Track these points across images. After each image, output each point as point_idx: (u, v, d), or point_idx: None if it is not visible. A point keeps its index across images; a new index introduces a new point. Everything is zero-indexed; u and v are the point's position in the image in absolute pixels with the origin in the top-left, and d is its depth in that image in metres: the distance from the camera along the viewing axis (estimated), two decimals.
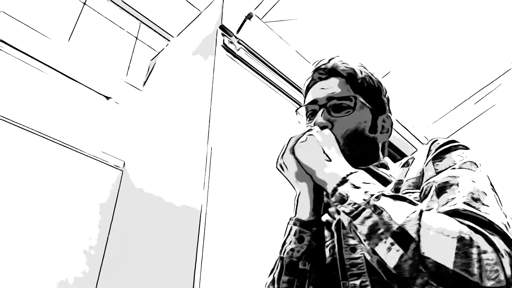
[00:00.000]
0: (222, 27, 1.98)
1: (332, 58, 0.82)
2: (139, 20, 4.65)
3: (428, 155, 0.67)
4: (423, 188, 0.62)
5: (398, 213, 0.52)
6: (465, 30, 4.49)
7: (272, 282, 0.71)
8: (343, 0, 4.58)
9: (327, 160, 0.66)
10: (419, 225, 0.50)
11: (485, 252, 0.47)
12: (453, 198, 0.55)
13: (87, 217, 2.28)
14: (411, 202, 0.55)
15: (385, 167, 0.80)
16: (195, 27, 2.48)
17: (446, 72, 4.82)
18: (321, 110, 0.77)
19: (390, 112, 0.85)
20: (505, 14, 4.32)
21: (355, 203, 0.56)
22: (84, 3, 4.01)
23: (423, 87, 4.92)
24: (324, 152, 0.67)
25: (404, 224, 0.51)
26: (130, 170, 2.49)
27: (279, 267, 0.70)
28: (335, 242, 0.70)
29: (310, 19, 4.59)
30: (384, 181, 0.72)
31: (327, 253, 0.71)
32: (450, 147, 0.65)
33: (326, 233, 0.75)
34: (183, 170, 1.68)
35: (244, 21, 2.07)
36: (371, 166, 0.77)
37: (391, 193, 0.56)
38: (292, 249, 0.69)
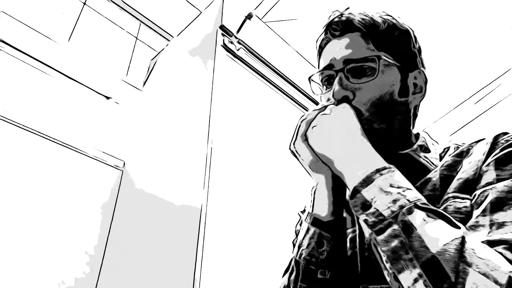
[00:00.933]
0: (222, 27, 1.98)
1: (347, 9, 0.67)
2: (139, 20, 4.65)
3: (490, 153, 0.53)
4: (476, 194, 0.50)
5: (433, 237, 0.42)
6: (465, 30, 4.49)
7: (288, 287, 0.61)
8: (343, 0, 4.58)
9: (344, 146, 0.55)
10: (459, 259, 0.39)
11: None
12: (511, 222, 0.43)
13: (87, 217, 2.28)
14: (450, 222, 0.44)
15: (426, 150, 0.65)
16: (195, 27, 2.48)
17: (446, 72, 4.82)
18: (338, 77, 0.62)
19: (423, 66, 0.68)
20: (505, 14, 4.32)
21: (380, 214, 0.46)
22: (84, 3, 4.01)
23: None
24: (342, 137, 0.55)
25: (440, 254, 0.40)
26: (130, 170, 2.49)
27: (295, 272, 0.61)
28: (357, 235, 0.61)
29: (310, 19, 4.59)
30: (425, 171, 0.60)
31: (347, 245, 0.62)
32: None
33: (347, 217, 0.64)
34: (183, 170, 1.68)
35: (244, 21, 2.07)
36: (409, 151, 0.63)
37: (427, 206, 0.46)
38: (310, 255, 0.59)
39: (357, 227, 0.62)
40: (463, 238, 0.41)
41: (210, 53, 1.91)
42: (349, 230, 0.64)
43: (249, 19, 2.10)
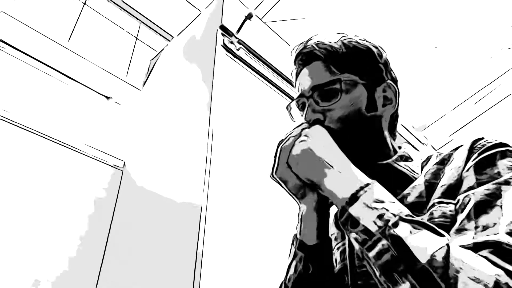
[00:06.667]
0: (222, 27, 1.98)
1: (309, 40, 0.72)
2: (139, 20, 4.65)
3: (469, 158, 0.56)
4: (459, 199, 0.53)
5: (420, 248, 0.44)
6: (465, 30, 4.49)
7: None
8: (340, 0, 4.58)
9: (329, 168, 0.57)
10: (447, 266, 0.42)
11: None
12: (494, 224, 0.45)
13: (87, 217, 2.28)
14: (434, 230, 0.46)
15: (407, 159, 0.68)
16: (195, 27, 2.48)
17: (446, 72, 4.82)
18: (309, 102, 0.69)
19: (391, 79, 0.71)
20: (505, 14, 4.32)
21: (368, 231, 0.48)
22: (84, 3, 4.01)
23: (423, 87, 4.92)
24: (322, 159, 0.58)
25: (429, 263, 0.42)
26: (130, 170, 2.49)
27: None
28: (346, 247, 0.64)
29: (310, 19, 4.59)
30: (406, 180, 0.63)
31: (338, 258, 0.65)
32: (496, 152, 0.54)
33: (336, 232, 0.69)
34: (183, 170, 1.68)
35: (244, 21, 2.07)
36: (390, 162, 0.66)
37: (411, 217, 0.48)
38: (296, 279, 0.62)
39: (346, 240, 0.65)
40: (448, 245, 0.44)
41: (210, 53, 1.90)
42: (339, 244, 0.67)
43: (249, 19, 2.10)
